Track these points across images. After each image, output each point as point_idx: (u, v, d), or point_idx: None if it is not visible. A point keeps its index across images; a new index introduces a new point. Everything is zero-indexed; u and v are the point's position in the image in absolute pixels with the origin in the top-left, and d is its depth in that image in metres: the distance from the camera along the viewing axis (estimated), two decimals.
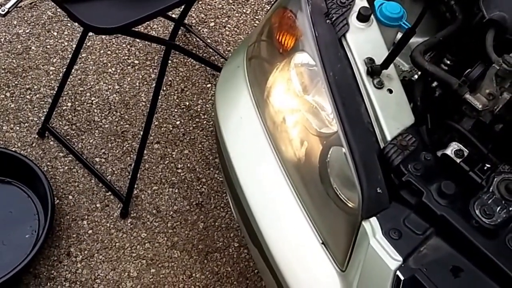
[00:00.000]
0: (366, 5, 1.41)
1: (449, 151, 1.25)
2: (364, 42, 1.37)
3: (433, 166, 1.24)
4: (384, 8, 1.41)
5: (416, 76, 1.47)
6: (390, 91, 1.31)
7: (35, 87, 2.42)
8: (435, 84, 1.42)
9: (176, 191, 2.22)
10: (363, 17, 1.38)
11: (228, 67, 1.70)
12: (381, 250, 1.15)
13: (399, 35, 1.46)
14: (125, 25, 1.35)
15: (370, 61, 1.33)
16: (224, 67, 1.72)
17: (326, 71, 1.33)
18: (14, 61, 2.49)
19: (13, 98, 2.39)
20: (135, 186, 2.15)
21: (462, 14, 1.46)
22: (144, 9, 1.37)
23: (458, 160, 1.24)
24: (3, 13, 1.26)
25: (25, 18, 2.62)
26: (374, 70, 1.30)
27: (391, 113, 1.29)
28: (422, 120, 1.34)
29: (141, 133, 2.26)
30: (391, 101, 1.31)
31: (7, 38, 2.55)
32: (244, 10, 2.81)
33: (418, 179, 1.20)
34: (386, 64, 1.29)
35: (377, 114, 1.29)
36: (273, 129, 1.47)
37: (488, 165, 1.24)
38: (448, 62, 1.45)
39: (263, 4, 2.84)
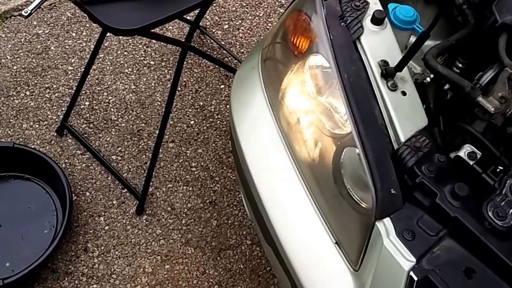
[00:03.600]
0: (380, 8, 1.39)
1: (462, 153, 1.23)
2: (378, 44, 1.35)
3: (447, 167, 1.22)
4: (398, 12, 1.39)
5: (428, 79, 1.45)
6: (404, 93, 1.29)
7: (54, 86, 2.42)
8: (447, 86, 1.40)
9: (190, 189, 2.20)
10: (377, 20, 1.36)
11: (243, 69, 1.68)
12: (394, 251, 1.13)
13: (412, 38, 1.45)
14: (144, 27, 1.34)
15: (384, 64, 1.31)
16: (239, 69, 1.70)
17: (341, 73, 1.31)
18: (34, 60, 2.48)
19: (33, 96, 2.38)
20: (150, 183, 2.14)
21: (474, 18, 1.44)
22: (163, 11, 1.36)
23: (471, 162, 1.22)
24: (25, 14, 1.25)
25: (45, 19, 2.61)
26: (388, 73, 1.28)
27: (404, 115, 1.28)
28: (435, 122, 1.32)
29: (157, 132, 2.26)
30: (404, 103, 1.29)
31: (27, 38, 2.54)
32: (257, 13, 2.79)
33: (432, 181, 1.18)
34: (400, 66, 1.27)
35: (391, 115, 1.27)
36: (287, 129, 1.45)
37: (501, 168, 1.22)
38: (461, 65, 1.43)
39: (276, 7, 2.83)
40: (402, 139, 1.24)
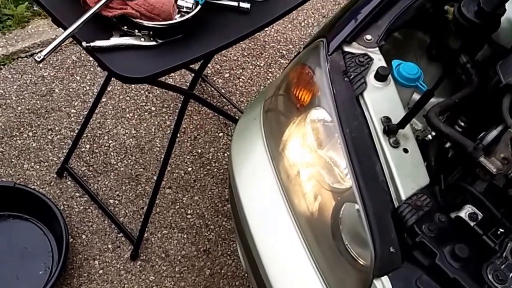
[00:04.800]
0: (384, 65, 1.36)
1: (463, 213, 1.19)
2: (381, 101, 1.32)
3: (447, 228, 1.18)
4: (401, 68, 1.36)
5: (430, 136, 1.41)
6: (406, 150, 1.25)
7: (57, 128, 2.37)
8: (449, 145, 1.36)
9: (185, 236, 2.14)
10: (380, 77, 1.32)
11: (245, 119, 1.64)
12: None
13: (416, 95, 1.41)
14: (152, 75, 1.31)
15: (386, 120, 1.27)
16: (240, 119, 1.66)
17: (343, 127, 1.28)
18: (38, 102, 2.44)
19: (35, 137, 2.33)
20: (146, 229, 2.07)
21: (478, 77, 1.41)
22: (171, 61, 1.34)
23: (472, 223, 1.18)
24: (39, 59, 1.23)
25: (51, 61, 2.58)
26: (390, 129, 1.25)
27: (406, 172, 1.24)
28: (436, 180, 1.27)
29: (154, 177, 2.21)
30: (406, 161, 1.25)
31: (33, 80, 2.50)
32: (258, 63, 2.78)
33: (432, 241, 1.14)
34: (402, 124, 1.23)
35: (392, 172, 1.23)
36: (287, 182, 1.40)
37: (502, 230, 1.19)
38: (463, 124, 1.40)
39: (277, 58, 2.81)
40: (403, 197, 1.20)
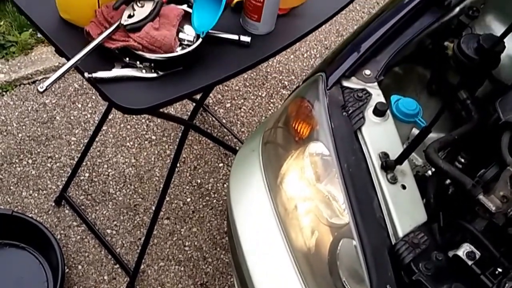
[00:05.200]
0: (383, 100, 1.37)
1: (461, 252, 1.18)
2: (379, 136, 1.32)
3: (444, 266, 1.17)
4: (400, 104, 1.37)
5: (429, 172, 1.42)
6: (404, 187, 1.25)
7: (56, 156, 2.38)
8: (448, 181, 1.36)
9: (182, 269, 2.12)
10: (379, 112, 1.33)
11: (244, 150, 1.64)
12: None
13: (415, 131, 1.42)
14: (152, 107, 1.33)
15: (384, 156, 1.28)
16: (239, 150, 1.66)
17: (341, 162, 1.28)
18: (38, 129, 2.45)
19: (35, 165, 2.34)
20: (143, 260, 2.06)
21: (478, 114, 1.42)
22: (170, 93, 1.35)
23: (469, 263, 1.18)
24: (41, 90, 1.26)
25: (53, 89, 2.60)
26: (388, 165, 1.25)
27: (403, 209, 1.23)
28: (435, 217, 1.27)
29: (153, 207, 2.21)
30: (404, 197, 1.25)
31: (34, 107, 2.52)
32: (260, 93, 2.79)
33: (429, 279, 1.13)
34: (400, 160, 1.24)
35: (390, 209, 1.23)
36: (284, 215, 1.39)
37: (500, 270, 1.17)
38: (463, 160, 1.40)
39: (279, 88, 2.83)
40: (400, 234, 1.20)
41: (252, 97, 2.76)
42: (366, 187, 1.25)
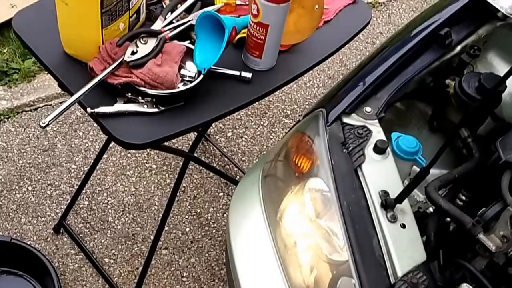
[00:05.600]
0: (383, 137, 1.38)
1: None
2: (379, 174, 1.33)
3: None
4: (400, 142, 1.38)
5: (430, 209, 1.42)
6: (403, 226, 1.26)
7: (56, 183, 2.39)
8: (449, 219, 1.37)
9: None
10: (379, 150, 1.34)
11: (244, 183, 1.65)
12: None
13: (415, 168, 1.43)
14: (153, 142, 1.35)
15: (384, 194, 1.29)
16: (240, 183, 1.67)
17: (340, 200, 1.29)
18: (39, 156, 2.46)
19: (34, 192, 2.35)
20: None
21: (478, 152, 1.43)
22: (171, 128, 1.36)
23: None
24: (43, 125, 1.28)
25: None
26: (388, 204, 1.26)
27: (403, 248, 1.24)
28: (434, 255, 1.28)
29: (151, 237, 2.21)
30: (403, 236, 1.25)
31: (35, 134, 2.54)
32: (262, 122, 2.80)
33: None
34: (400, 198, 1.25)
35: (389, 248, 1.23)
36: (283, 251, 1.40)
37: None
38: (463, 198, 1.41)
39: (281, 117, 2.84)
40: (399, 273, 1.20)
41: (254, 126, 2.77)
42: (366, 225, 1.26)
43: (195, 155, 2.17)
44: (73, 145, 2.52)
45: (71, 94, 1.35)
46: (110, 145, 2.48)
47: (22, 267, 2.06)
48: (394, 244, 1.23)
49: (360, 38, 3.32)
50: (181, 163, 1.84)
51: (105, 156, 2.46)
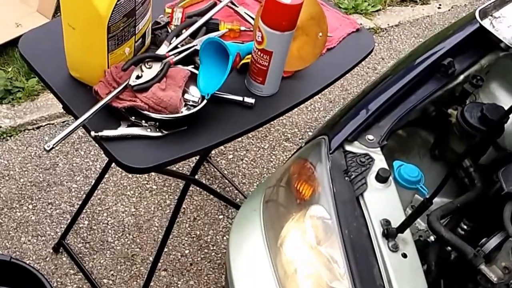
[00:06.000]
0: (385, 166, 1.38)
1: None
2: (381, 202, 1.33)
3: None
4: (402, 171, 1.38)
5: (432, 238, 1.41)
6: (405, 255, 1.25)
7: (57, 202, 2.38)
8: (450, 248, 1.36)
9: None
10: (381, 178, 1.34)
11: (245, 209, 1.64)
12: None
13: (417, 197, 1.43)
14: (156, 166, 1.35)
15: (386, 223, 1.28)
16: (241, 208, 1.66)
17: (342, 228, 1.28)
18: (40, 175, 2.46)
19: (35, 211, 2.34)
20: None
21: (481, 182, 1.43)
22: (174, 153, 1.36)
23: None
24: (48, 148, 1.29)
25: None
26: (389, 233, 1.25)
27: (404, 278, 1.23)
28: (435, 285, 1.27)
29: (150, 258, 2.20)
30: (405, 266, 1.24)
31: (37, 153, 2.54)
32: (262, 145, 2.81)
33: None
34: (402, 228, 1.24)
35: (390, 277, 1.22)
36: (283, 278, 1.38)
37: None
38: (465, 227, 1.41)
39: (281, 141, 2.84)
40: None
41: (255, 149, 2.77)
42: (367, 254, 1.25)
43: (196, 176, 2.17)
44: (74, 164, 2.52)
45: (76, 118, 1.35)
46: (112, 165, 2.48)
47: (21, 286, 2.04)
48: (395, 274, 1.22)
49: (362, 64, 3.29)
50: (181, 184, 1.83)
51: (106, 176, 2.45)
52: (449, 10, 3.89)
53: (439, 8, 3.88)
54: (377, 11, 3.67)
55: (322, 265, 1.33)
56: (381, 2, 3.71)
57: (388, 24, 3.63)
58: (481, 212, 1.40)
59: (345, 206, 1.31)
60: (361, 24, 1.79)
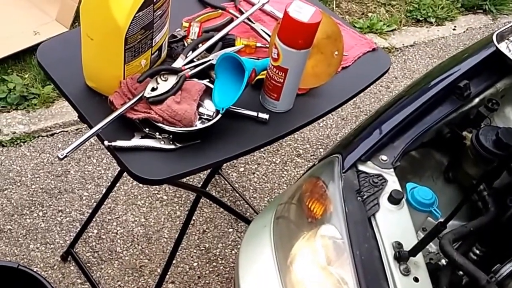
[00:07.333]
0: (399, 187, 1.35)
1: None
2: (393, 224, 1.30)
3: None
4: (416, 193, 1.35)
5: (443, 261, 1.38)
6: (416, 279, 1.22)
7: (67, 210, 2.37)
8: (462, 273, 1.33)
9: None
10: (394, 200, 1.32)
11: (256, 224, 1.62)
12: None
13: (429, 220, 1.40)
14: (168, 178, 1.34)
15: (398, 246, 1.25)
16: (252, 223, 1.64)
17: (353, 249, 1.26)
18: (52, 182, 2.45)
19: (45, 218, 2.33)
20: None
21: (494, 207, 1.40)
22: (186, 166, 1.35)
23: None
24: (61, 157, 1.29)
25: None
26: (401, 256, 1.23)
27: None
28: None
29: (158, 269, 2.18)
30: None
31: (50, 160, 2.53)
32: (274, 160, 2.79)
33: None
34: (414, 252, 1.21)
35: None
36: None
37: None
38: (478, 252, 1.38)
39: (293, 156, 2.82)
40: None
41: (266, 163, 2.75)
42: (378, 276, 1.23)
43: (207, 188, 2.15)
44: (86, 172, 2.51)
45: (90, 127, 1.34)
46: (123, 174, 2.47)
47: None
48: None
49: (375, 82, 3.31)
50: (192, 195, 1.82)
51: (117, 184, 2.44)
52: (464, 32, 3.87)
53: (454, 29, 3.86)
54: (392, 30, 3.65)
55: (332, 286, 1.31)
56: (396, 22, 3.69)
57: (403, 44, 3.61)
58: (494, 237, 1.37)
59: (356, 226, 1.29)
60: (376, 43, 1.77)
